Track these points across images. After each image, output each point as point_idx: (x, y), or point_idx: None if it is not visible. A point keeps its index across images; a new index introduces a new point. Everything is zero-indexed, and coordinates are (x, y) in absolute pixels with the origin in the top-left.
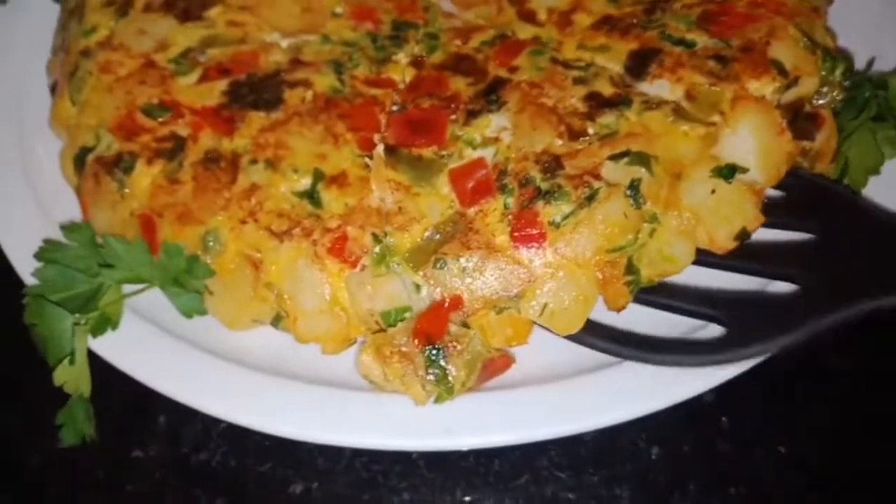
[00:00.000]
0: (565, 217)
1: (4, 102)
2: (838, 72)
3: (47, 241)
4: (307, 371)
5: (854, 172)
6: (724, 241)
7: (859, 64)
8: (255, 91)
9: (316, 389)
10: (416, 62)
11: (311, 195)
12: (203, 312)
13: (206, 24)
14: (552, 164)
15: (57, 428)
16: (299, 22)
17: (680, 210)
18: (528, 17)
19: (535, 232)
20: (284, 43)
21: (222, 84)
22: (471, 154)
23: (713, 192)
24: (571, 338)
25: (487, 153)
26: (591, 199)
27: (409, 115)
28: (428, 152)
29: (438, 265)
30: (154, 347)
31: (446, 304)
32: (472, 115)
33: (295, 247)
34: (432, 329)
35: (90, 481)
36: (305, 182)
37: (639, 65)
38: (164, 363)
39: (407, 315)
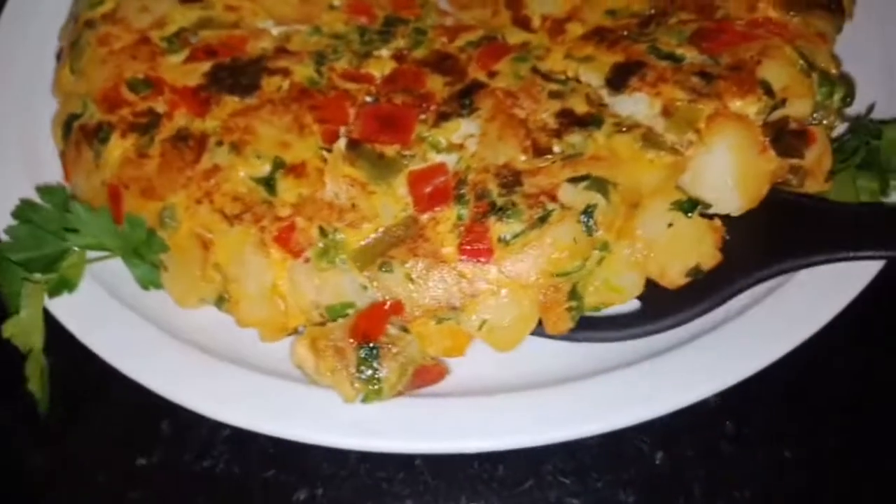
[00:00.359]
0: (515, 235)
1: (14, 69)
2: (836, 97)
3: (23, 201)
4: (251, 357)
5: None
6: (675, 277)
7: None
8: (235, 75)
9: (253, 376)
10: (398, 56)
11: (267, 182)
12: (159, 285)
13: (204, 6)
14: (511, 179)
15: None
16: (296, 11)
17: (633, 240)
18: (523, 23)
19: (483, 247)
20: (275, 31)
21: (205, 66)
22: (433, 158)
23: (670, 225)
24: None
25: (450, 159)
26: (543, 220)
27: (378, 109)
28: (391, 150)
29: (384, 268)
30: (109, 318)
31: (387, 306)
32: (442, 117)
33: (244, 231)
34: (370, 328)
35: (94, 488)
36: (265, 169)
37: (620, 77)
38: (117, 334)
39: (350, 311)
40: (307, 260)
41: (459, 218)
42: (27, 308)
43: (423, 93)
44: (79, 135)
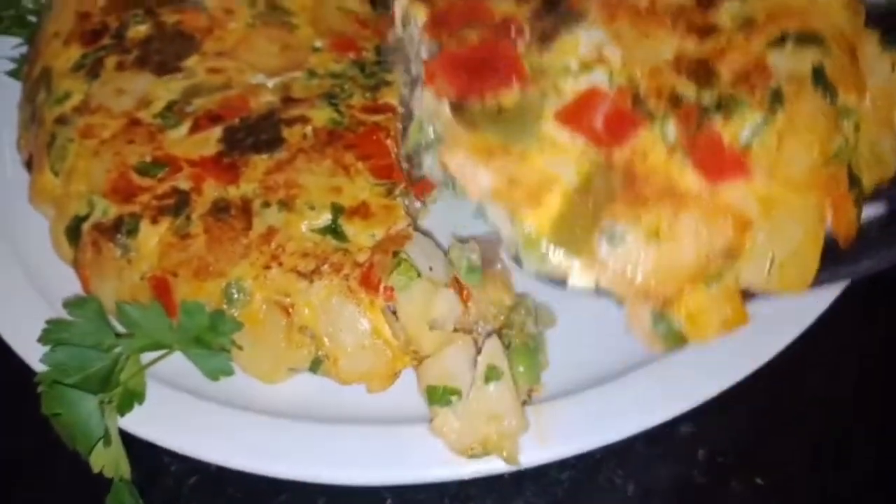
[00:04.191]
0: (755, 131)
1: None
2: None
3: (51, 322)
4: (351, 411)
5: None
6: None
7: None
8: (252, 133)
9: (366, 429)
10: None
11: (333, 230)
12: (230, 372)
13: (186, 75)
14: (700, 70)
15: None
16: (280, 60)
17: (871, 95)
18: None
19: (727, 159)
20: (271, 83)
21: (217, 131)
22: (571, 86)
23: (894, 67)
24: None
25: (598, 78)
26: (776, 100)
27: (455, 58)
28: (509, 99)
29: (609, 237)
30: (188, 413)
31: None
32: (545, 37)
33: (326, 285)
34: None
35: None
36: (325, 217)
37: None
38: (204, 428)
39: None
40: (386, 290)
41: (665, 138)
42: (109, 433)
43: (496, 22)
44: (94, 235)
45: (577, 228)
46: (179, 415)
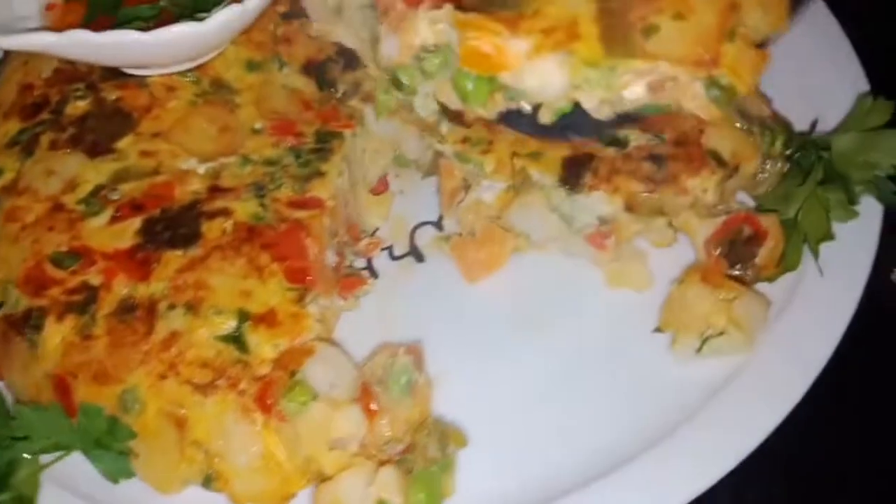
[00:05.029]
0: None
1: None
2: (778, 143)
3: None
4: None
5: (812, 242)
6: None
7: (801, 126)
8: (171, 227)
9: None
10: None
11: (235, 339)
12: (131, 475)
13: (118, 157)
14: None
15: None
16: (217, 144)
17: None
18: (457, 118)
19: None
20: (202, 168)
21: (136, 222)
22: None
23: None
24: None
25: None
26: None
27: None
28: None
29: (646, 32)
30: None
31: None
32: None
33: (221, 400)
34: None
35: None
36: (230, 325)
37: (573, 175)
38: None
39: None
40: (279, 413)
41: None
42: None
43: None
44: (4, 326)
45: (620, 39)
46: None
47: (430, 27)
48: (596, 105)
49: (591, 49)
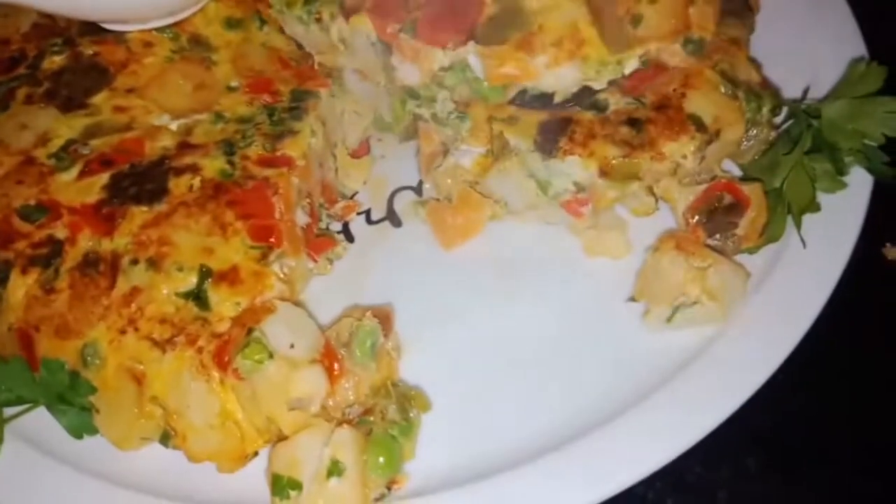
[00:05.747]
0: None
1: None
2: (765, 109)
3: None
4: (215, 492)
5: (796, 213)
6: None
7: (794, 92)
8: (138, 182)
9: None
10: None
11: (196, 296)
12: (94, 431)
13: (90, 112)
14: None
15: None
16: (191, 101)
17: None
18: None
19: None
20: (174, 125)
21: (104, 177)
22: None
23: None
24: None
25: None
26: None
27: (430, 16)
28: (491, 8)
29: (634, 20)
30: (38, 475)
31: None
32: None
33: (179, 356)
34: None
35: None
36: (191, 281)
37: (549, 139)
38: (52, 493)
39: None
40: (235, 371)
41: None
42: None
43: None
44: None
45: (617, 34)
46: (30, 480)
47: (447, 54)
48: (603, 85)
49: (598, 50)
